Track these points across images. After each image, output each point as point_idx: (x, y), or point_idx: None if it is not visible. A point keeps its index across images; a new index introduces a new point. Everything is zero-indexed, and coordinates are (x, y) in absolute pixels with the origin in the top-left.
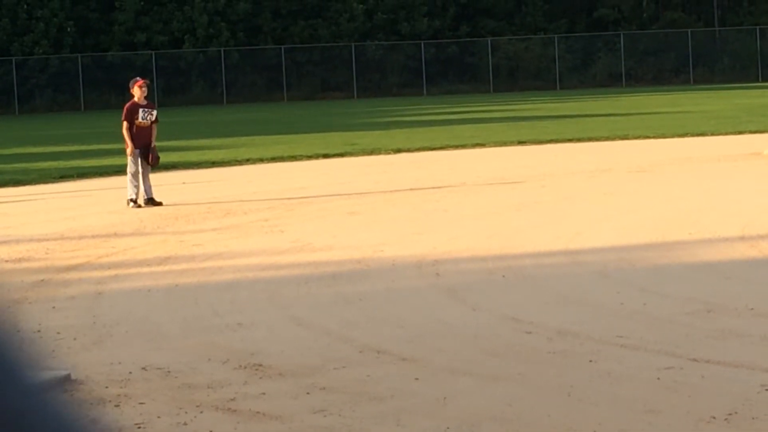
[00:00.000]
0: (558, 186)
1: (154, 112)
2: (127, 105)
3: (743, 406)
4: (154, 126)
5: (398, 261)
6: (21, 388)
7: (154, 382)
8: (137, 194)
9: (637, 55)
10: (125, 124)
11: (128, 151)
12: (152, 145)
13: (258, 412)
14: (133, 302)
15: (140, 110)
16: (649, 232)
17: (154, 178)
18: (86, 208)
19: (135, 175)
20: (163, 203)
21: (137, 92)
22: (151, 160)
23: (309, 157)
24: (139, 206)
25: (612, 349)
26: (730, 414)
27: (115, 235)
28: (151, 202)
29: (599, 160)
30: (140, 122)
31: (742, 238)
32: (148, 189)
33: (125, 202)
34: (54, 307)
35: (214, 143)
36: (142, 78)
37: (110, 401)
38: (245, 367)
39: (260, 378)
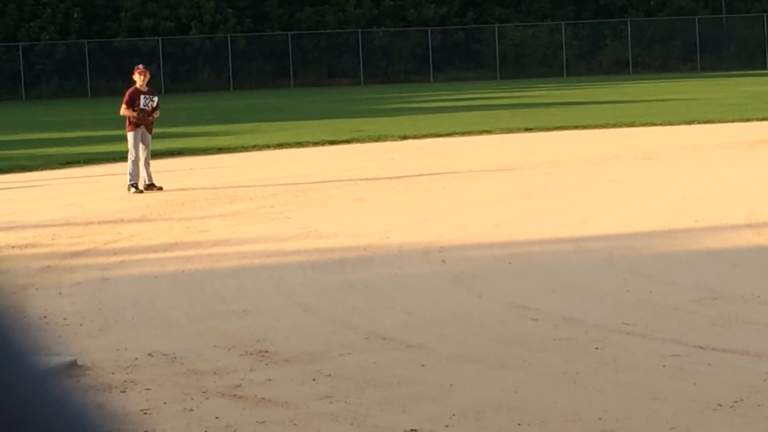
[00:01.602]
0: (564, 173)
1: (156, 99)
2: (129, 90)
3: (749, 393)
4: (155, 112)
5: (404, 248)
6: (25, 374)
7: (160, 368)
8: (138, 179)
9: (644, 42)
10: (124, 106)
11: (132, 143)
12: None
13: (264, 399)
14: (139, 288)
15: (142, 96)
16: (656, 220)
17: (160, 164)
18: (92, 194)
19: (136, 161)
20: (163, 188)
21: (138, 79)
22: (145, 116)
23: (315, 144)
24: (140, 191)
25: (618, 336)
26: (735, 401)
27: (121, 221)
28: (151, 187)
29: (606, 147)
30: (143, 108)
31: (748, 226)
32: (148, 174)
33: (126, 187)
34: (60, 293)
35: (221, 129)
36: (143, 66)
37: (116, 387)
38: (251, 354)
39: (266, 364)
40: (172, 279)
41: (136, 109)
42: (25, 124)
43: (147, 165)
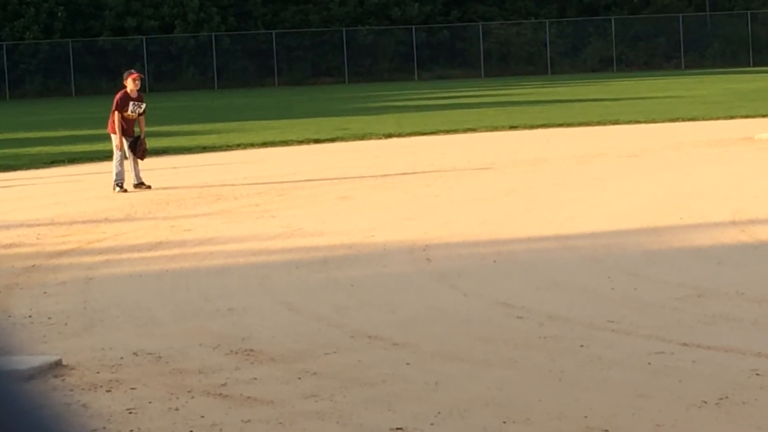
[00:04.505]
0: (549, 171)
1: (143, 105)
2: (119, 95)
3: (734, 390)
4: (141, 117)
5: (389, 246)
6: None
7: (146, 367)
8: (124, 179)
9: (628, 39)
10: (117, 114)
11: (116, 143)
12: (141, 137)
13: (249, 397)
14: (124, 288)
15: (131, 103)
16: (640, 217)
17: (144, 162)
18: (77, 194)
19: (122, 161)
20: (152, 187)
21: (130, 85)
22: (138, 153)
23: (300, 142)
24: (125, 191)
25: (603, 334)
26: (720, 399)
27: (106, 220)
28: (140, 186)
29: (590, 145)
30: (129, 115)
31: (733, 223)
32: (137, 173)
33: (111, 187)
34: (45, 293)
35: (205, 128)
36: (138, 72)
37: (101, 386)
38: (236, 353)
39: (251, 363)
40: (157, 278)
41: (128, 139)
42: (9, 124)
43: (136, 164)
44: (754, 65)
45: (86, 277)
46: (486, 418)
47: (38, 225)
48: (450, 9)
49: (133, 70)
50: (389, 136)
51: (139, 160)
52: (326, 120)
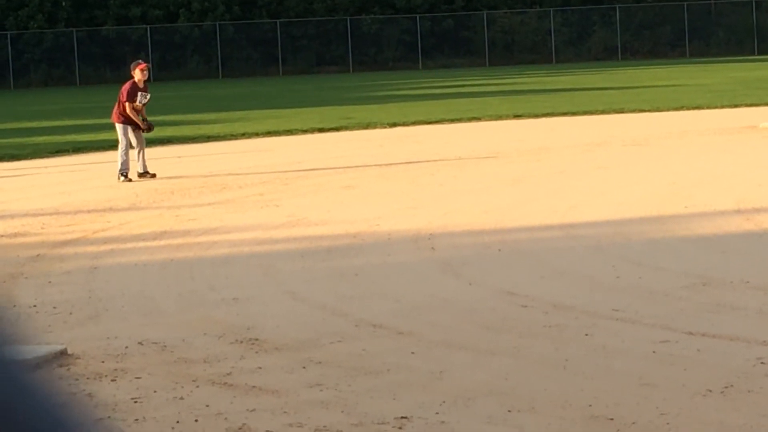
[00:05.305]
0: (553, 160)
1: (148, 95)
2: (128, 86)
3: (739, 379)
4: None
5: (394, 235)
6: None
7: (151, 356)
8: (129, 169)
9: (633, 28)
10: (128, 105)
11: (143, 126)
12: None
13: (254, 387)
14: (129, 277)
15: (139, 93)
16: (645, 206)
17: (149, 152)
18: (82, 183)
19: (127, 150)
20: (157, 176)
21: (138, 75)
22: (144, 125)
23: (304, 132)
24: (130, 180)
25: (607, 322)
26: (725, 387)
27: (111, 209)
28: (145, 175)
29: (595, 133)
30: (136, 105)
31: (737, 212)
32: (142, 162)
33: (116, 176)
34: (50, 282)
35: (210, 117)
36: (145, 62)
37: (107, 376)
38: (241, 342)
39: (256, 352)
40: (161, 267)
41: (133, 129)
42: (13, 113)
43: (142, 153)
44: (759, 54)
45: (91, 266)
46: (491, 407)
47: (43, 214)
48: None
49: (140, 60)
50: (394, 125)
51: (145, 149)
52: (330, 109)
